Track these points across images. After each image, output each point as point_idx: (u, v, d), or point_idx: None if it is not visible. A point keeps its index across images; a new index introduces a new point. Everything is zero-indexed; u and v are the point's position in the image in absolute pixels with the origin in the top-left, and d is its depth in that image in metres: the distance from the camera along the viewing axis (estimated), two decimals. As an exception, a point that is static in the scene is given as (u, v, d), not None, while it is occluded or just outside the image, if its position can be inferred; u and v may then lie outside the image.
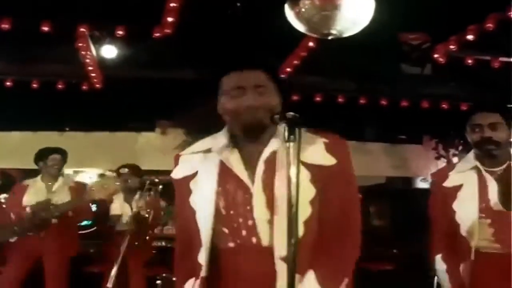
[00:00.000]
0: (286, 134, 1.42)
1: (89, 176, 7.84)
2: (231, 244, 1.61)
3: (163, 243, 5.89)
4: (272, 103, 1.62)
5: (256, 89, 1.62)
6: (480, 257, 2.44)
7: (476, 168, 2.54)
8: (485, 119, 2.52)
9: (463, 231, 2.49)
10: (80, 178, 7.71)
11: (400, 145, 7.94)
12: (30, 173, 4.94)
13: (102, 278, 5.04)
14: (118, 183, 4.49)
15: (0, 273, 4.48)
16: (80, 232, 5.68)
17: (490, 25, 4.46)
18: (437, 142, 7.87)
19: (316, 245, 1.59)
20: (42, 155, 4.62)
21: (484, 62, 5.47)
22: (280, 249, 1.52)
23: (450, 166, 2.71)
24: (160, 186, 5.15)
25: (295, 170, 1.39)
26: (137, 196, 5.19)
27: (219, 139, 1.71)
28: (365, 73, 6.10)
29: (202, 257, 1.62)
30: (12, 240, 4.14)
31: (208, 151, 1.70)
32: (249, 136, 1.67)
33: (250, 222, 1.59)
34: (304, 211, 1.56)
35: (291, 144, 1.41)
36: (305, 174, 1.58)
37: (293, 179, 1.39)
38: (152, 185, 5.09)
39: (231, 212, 1.61)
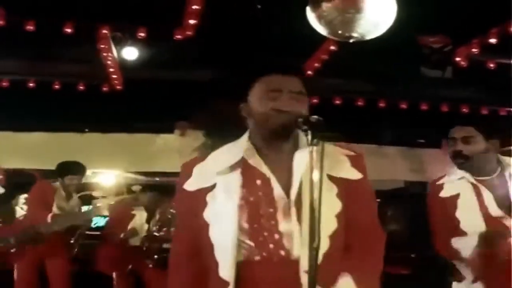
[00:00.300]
0: (310, 138, 1.40)
1: (106, 177, 7.90)
2: (257, 257, 1.57)
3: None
4: (303, 112, 1.58)
5: (291, 94, 1.60)
6: None
7: (464, 178, 2.60)
8: (459, 132, 2.63)
9: None
10: (98, 179, 7.77)
11: (418, 149, 7.85)
12: (52, 174, 5.00)
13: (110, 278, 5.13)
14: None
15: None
16: (91, 233, 5.76)
17: (513, 28, 4.41)
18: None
19: (343, 256, 1.59)
20: (60, 172, 4.69)
21: (507, 65, 5.38)
22: (305, 262, 1.48)
23: (442, 176, 2.75)
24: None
25: (318, 174, 1.37)
26: (157, 216, 5.24)
27: (241, 146, 1.67)
28: (384, 75, 6.05)
29: (226, 273, 1.56)
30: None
31: (238, 163, 1.63)
32: (272, 144, 1.64)
33: (276, 236, 1.55)
34: (330, 225, 1.55)
35: (314, 148, 1.38)
36: (332, 188, 1.58)
37: (316, 183, 1.36)
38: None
39: (255, 225, 1.57)
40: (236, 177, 1.61)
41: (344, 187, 1.60)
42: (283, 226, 1.55)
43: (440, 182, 2.70)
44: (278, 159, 1.63)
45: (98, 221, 7.46)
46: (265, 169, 1.61)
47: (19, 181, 6.22)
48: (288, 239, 1.54)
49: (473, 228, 2.50)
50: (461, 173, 2.62)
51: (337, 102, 6.54)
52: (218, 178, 1.63)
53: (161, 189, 5.68)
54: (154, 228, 5.19)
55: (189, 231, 1.70)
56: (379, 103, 6.61)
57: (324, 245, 1.49)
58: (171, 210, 5.11)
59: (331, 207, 1.55)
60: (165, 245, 5.22)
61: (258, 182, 1.61)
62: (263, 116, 1.60)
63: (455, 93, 6.48)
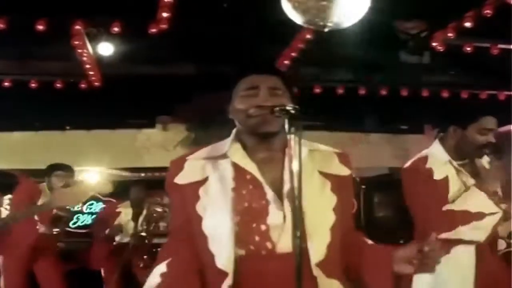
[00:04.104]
0: (287, 127, 1.42)
1: (91, 175, 7.84)
2: (242, 252, 1.56)
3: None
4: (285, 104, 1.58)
5: (269, 90, 1.62)
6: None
7: (449, 162, 2.58)
8: (493, 124, 2.55)
9: None
10: (82, 177, 7.72)
11: (401, 135, 7.91)
12: (35, 173, 4.97)
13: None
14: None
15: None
16: (78, 231, 5.70)
17: (488, 11, 4.43)
18: (438, 131, 7.80)
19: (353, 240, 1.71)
20: (48, 170, 4.69)
21: (483, 49, 5.43)
22: (315, 255, 1.54)
23: (422, 159, 2.66)
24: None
25: (298, 163, 1.39)
26: (141, 217, 5.17)
27: (228, 144, 1.68)
28: (363, 63, 6.07)
29: (224, 264, 1.54)
30: None
31: (223, 156, 1.66)
32: (258, 141, 1.65)
33: (263, 227, 1.56)
34: (329, 218, 1.60)
35: (292, 136, 1.40)
36: (326, 184, 1.64)
37: (296, 172, 1.39)
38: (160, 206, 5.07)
39: (245, 218, 1.57)
40: (228, 171, 1.63)
41: (335, 182, 1.66)
42: (271, 218, 1.56)
43: (428, 166, 2.58)
44: (268, 156, 1.65)
45: (86, 219, 7.44)
46: (258, 175, 1.62)
47: (1, 181, 6.14)
48: (276, 232, 1.55)
49: (481, 208, 2.39)
50: (446, 156, 2.60)
51: (317, 90, 6.55)
52: (210, 172, 1.64)
53: (145, 185, 5.66)
54: (141, 228, 5.10)
55: (184, 221, 1.67)
56: (359, 91, 6.63)
57: (326, 238, 1.57)
58: (157, 208, 5.06)
59: (327, 201, 1.62)
60: (155, 240, 5.17)
61: (248, 176, 1.62)
62: (243, 114, 1.62)
63: (434, 78, 6.54)
